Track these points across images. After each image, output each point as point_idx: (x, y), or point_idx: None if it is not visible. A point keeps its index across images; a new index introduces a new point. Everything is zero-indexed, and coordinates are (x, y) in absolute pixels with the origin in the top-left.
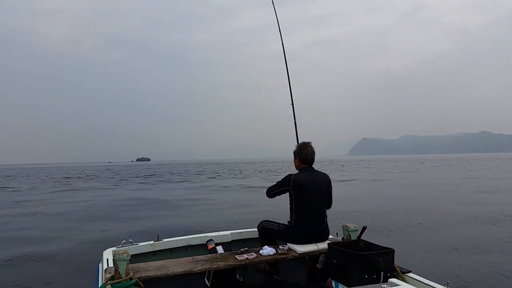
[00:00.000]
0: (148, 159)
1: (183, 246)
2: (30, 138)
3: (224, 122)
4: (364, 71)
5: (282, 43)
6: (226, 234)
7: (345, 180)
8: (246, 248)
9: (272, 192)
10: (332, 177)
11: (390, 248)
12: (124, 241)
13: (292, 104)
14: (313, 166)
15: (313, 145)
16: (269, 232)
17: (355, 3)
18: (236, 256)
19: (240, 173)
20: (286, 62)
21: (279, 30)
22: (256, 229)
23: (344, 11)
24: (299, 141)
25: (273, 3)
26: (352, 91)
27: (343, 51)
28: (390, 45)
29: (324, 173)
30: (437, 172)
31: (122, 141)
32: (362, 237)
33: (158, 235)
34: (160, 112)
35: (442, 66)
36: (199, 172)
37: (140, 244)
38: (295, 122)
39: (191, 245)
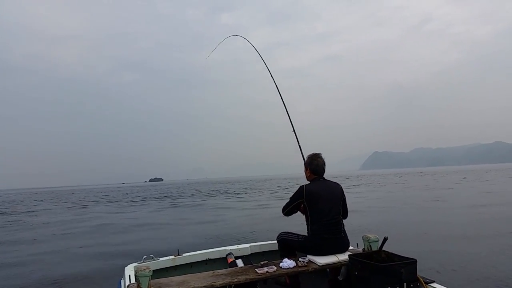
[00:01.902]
0: (161, 179)
1: (203, 260)
2: (42, 162)
3: (234, 140)
4: (373, 85)
5: (276, 86)
6: (245, 247)
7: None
8: (266, 261)
9: (288, 208)
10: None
11: (413, 259)
12: (145, 256)
13: (294, 131)
14: (324, 176)
15: (325, 160)
16: (288, 243)
17: (361, 18)
18: (256, 269)
19: (255, 191)
20: (282, 97)
21: (271, 76)
22: (275, 242)
23: (350, 26)
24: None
25: (262, 59)
26: (362, 105)
27: (351, 65)
28: (398, 58)
29: (336, 182)
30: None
31: (134, 162)
32: (384, 248)
33: (178, 250)
34: (172, 133)
35: (452, 77)
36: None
37: (161, 259)
38: (299, 146)
39: (211, 259)
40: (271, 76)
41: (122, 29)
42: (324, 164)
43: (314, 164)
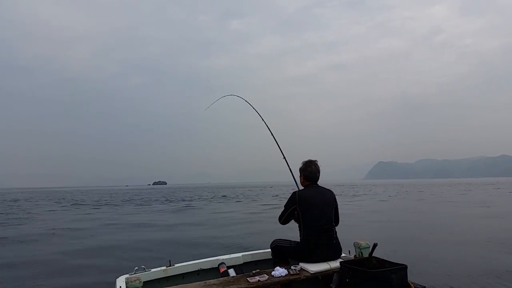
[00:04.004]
0: (165, 183)
1: (195, 271)
2: (47, 162)
3: (238, 145)
4: (380, 95)
5: (269, 129)
6: (237, 257)
7: None
8: (258, 270)
9: (284, 216)
10: None
11: (403, 264)
12: (137, 267)
13: (284, 158)
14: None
15: (327, 168)
16: (281, 250)
17: (370, 28)
18: (248, 278)
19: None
20: (271, 132)
21: (269, 129)
22: (267, 250)
23: (359, 36)
24: (299, 185)
25: (259, 114)
26: (368, 114)
27: (358, 75)
28: (406, 69)
29: (329, 189)
30: None
31: (138, 165)
32: (374, 254)
33: (170, 260)
34: (176, 136)
35: (459, 90)
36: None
37: (152, 270)
38: (290, 170)
39: (203, 269)
40: (268, 129)
41: (132, 33)
42: (318, 171)
43: (308, 171)
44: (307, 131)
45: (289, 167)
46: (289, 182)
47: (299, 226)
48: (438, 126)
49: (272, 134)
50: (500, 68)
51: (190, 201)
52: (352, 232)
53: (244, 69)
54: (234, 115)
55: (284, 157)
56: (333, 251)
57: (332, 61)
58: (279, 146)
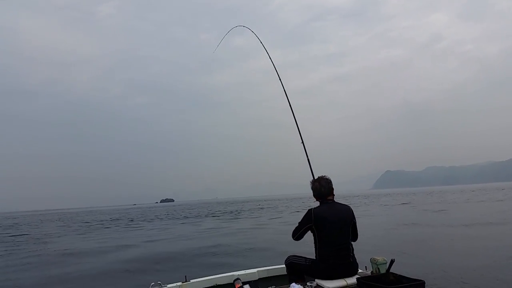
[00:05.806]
0: (172, 200)
1: (211, 287)
2: (51, 185)
3: (244, 160)
4: (384, 104)
5: (284, 90)
6: (253, 272)
7: None
8: (273, 286)
9: (298, 233)
10: None
11: (421, 280)
12: (153, 283)
13: (302, 142)
14: (334, 199)
15: (335, 179)
16: (296, 267)
17: (370, 38)
18: None
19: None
20: (290, 103)
21: (278, 75)
22: (283, 266)
23: (360, 47)
24: (315, 176)
25: (268, 54)
26: (373, 124)
27: (361, 85)
28: (408, 78)
29: (346, 205)
30: None
31: (145, 183)
32: (391, 270)
33: (185, 276)
34: (182, 154)
35: (462, 96)
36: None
37: (168, 286)
38: (308, 159)
39: (219, 285)
40: (277, 75)
41: (135, 53)
42: (328, 184)
43: (317, 187)
44: (311, 143)
45: (306, 154)
46: (297, 194)
47: (315, 243)
48: (443, 132)
49: (285, 92)
50: (501, 72)
51: (199, 217)
52: (369, 245)
53: (247, 84)
54: (236, 130)
55: (302, 142)
56: (349, 268)
57: (334, 72)
58: (295, 120)
